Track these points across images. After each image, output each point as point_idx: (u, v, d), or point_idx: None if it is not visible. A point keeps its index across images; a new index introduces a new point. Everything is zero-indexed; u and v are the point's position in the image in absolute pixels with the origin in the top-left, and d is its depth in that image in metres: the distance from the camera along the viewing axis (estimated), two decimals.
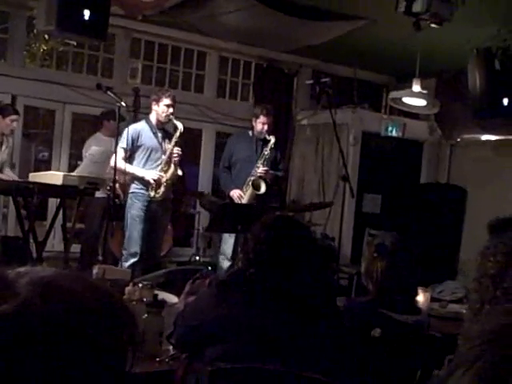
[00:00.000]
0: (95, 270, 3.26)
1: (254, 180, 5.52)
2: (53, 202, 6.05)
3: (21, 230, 5.24)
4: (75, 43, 6.53)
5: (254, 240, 2.18)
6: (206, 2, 5.41)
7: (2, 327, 0.66)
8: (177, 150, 5.17)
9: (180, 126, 5.14)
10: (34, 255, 5.18)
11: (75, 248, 6.08)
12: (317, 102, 6.46)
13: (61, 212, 5.57)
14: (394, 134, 7.05)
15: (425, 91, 5.52)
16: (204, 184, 7.28)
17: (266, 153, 5.57)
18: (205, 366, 2.01)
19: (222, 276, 3.90)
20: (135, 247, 5.10)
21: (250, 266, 2.14)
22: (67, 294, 0.72)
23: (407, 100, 5.64)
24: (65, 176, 5.27)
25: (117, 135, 4.98)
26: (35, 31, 6.40)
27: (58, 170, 6.16)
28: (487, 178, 6.83)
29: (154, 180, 5.11)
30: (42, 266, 0.77)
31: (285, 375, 1.97)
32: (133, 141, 5.11)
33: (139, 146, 5.16)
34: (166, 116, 5.14)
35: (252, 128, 5.78)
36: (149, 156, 5.19)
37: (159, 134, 5.23)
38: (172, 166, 5.17)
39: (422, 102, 5.63)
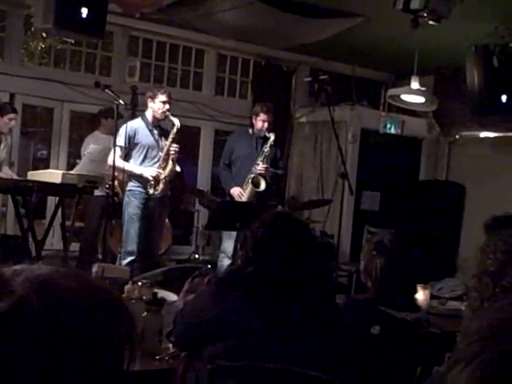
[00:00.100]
0: (94, 269, 3.26)
1: (253, 177, 5.52)
2: (52, 201, 6.05)
3: (20, 228, 5.24)
4: (73, 41, 6.52)
5: (253, 238, 2.18)
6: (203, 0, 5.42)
7: None
8: (174, 146, 5.16)
9: (177, 122, 5.12)
10: (33, 254, 5.17)
11: (74, 246, 6.08)
12: (315, 99, 6.47)
13: (60, 210, 5.57)
14: (393, 131, 7.05)
15: (423, 88, 5.53)
16: (203, 182, 7.28)
17: (265, 150, 5.56)
18: (204, 364, 2.01)
19: (221, 274, 3.90)
20: (132, 245, 5.09)
21: (249, 264, 2.14)
22: (63, 291, 0.72)
23: (406, 97, 5.64)
24: (63, 174, 5.27)
25: (115, 133, 4.97)
26: (33, 29, 6.39)
27: (57, 168, 6.16)
28: (486, 175, 6.83)
29: (153, 177, 5.10)
30: (38, 264, 0.77)
31: (284, 373, 1.97)
32: (130, 138, 5.09)
33: (136, 144, 5.14)
34: (162, 113, 5.12)
35: (252, 126, 5.78)
36: (146, 154, 5.17)
37: (155, 132, 5.21)
38: (170, 162, 5.15)
39: (420, 99, 5.63)
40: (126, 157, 5.11)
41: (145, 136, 5.16)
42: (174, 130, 5.13)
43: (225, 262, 5.60)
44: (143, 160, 5.17)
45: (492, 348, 0.67)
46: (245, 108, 7.21)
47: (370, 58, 6.94)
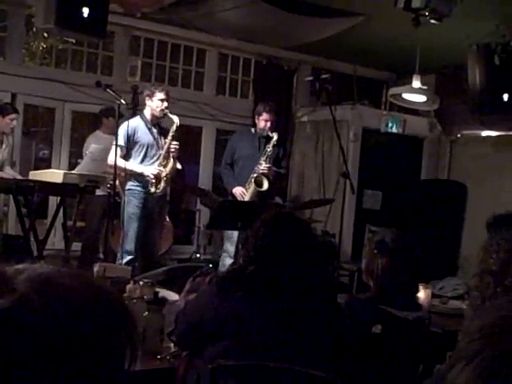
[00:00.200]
0: (96, 268, 3.25)
1: (256, 177, 5.51)
2: (53, 201, 6.05)
3: (21, 228, 5.24)
4: (74, 41, 6.53)
5: (255, 237, 2.18)
6: None
7: None
8: (174, 143, 5.14)
9: (176, 119, 5.08)
10: (35, 253, 5.18)
11: (76, 246, 6.08)
12: (317, 98, 6.46)
13: (61, 210, 5.57)
14: (394, 130, 7.05)
15: (425, 87, 5.52)
16: (204, 181, 7.28)
17: (268, 150, 5.55)
18: (206, 364, 2.01)
19: (223, 273, 3.90)
20: (130, 245, 5.07)
21: (251, 263, 2.14)
22: (65, 290, 0.72)
23: (407, 96, 5.64)
24: (65, 174, 5.27)
25: (116, 133, 4.97)
26: (34, 29, 6.40)
27: (59, 168, 6.16)
28: (488, 174, 6.82)
29: (154, 175, 5.08)
30: (40, 263, 0.77)
31: (286, 372, 1.97)
32: (129, 137, 5.06)
33: (136, 143, 5.11)
34: (160, 111, 5.07)
35: (254, 125, 5.78)
36: (146, 153, 5.14)
37: (154, 130, 5.17)
38: (171, 160, 5.14)
39: (421, 98, 5.62)
40: (126, 156, 5.08)
41: (144, 135, 5.13)
42: (174, 127, 5.09)
43: (227, 261, 5.60)
44: (143, 159, 5.14)
45: (493, 346, 0.67)
46: (246, 107, 7.22)
47: (372, 57, 6.94)
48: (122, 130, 5.02)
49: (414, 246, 2.67)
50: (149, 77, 7.19)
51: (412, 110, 6.52)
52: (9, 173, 5.52)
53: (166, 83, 6.94)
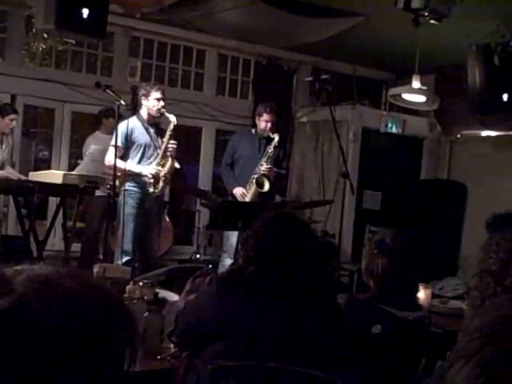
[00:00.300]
0: (96, 269, 3.25)
1: (257, 178, 5.51)
2: (53, 201, 6.05)
3: (21, 229, 5.25)
4: (74, 42, 6.53)
5: (255, 237, 2.18)
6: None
7: None
8: (172, 143, 5.11)
9: (173, 118, 5.03)
10: (35, 254, 5.18)
11: (76, 247, 6.09)
12: (316, 98, 6.46)
13: (61, 211, 5.57)
14: (394, 130, 7.05)
15: (424, 87, 5.52)
16: (204, 182, 7.29)
17: (269, 151, 5.54)
18: (206, 364, 2.01)
19: (222, 274, 3.90)
20: (128, 245, 5.05)
21: (251, 264, 2.13)
22: (63, 291, 0.72)
23: (407, 96, 5.64)
24: (65, 175, 5.27)
25: (114, 133, 4.95)
26: (34, 30, 6.40)
27: (58, 168, 6.16)
28: (487, 174, 6.82)
29: (152, 175, 5.06)
30: (40, 264, 0.77)
31: (285, 372, 1.97)
32: (126, 137, 5.03)
33: (133, 143, 5.08)
34: (157, 110, 5.02)
35: (255, 126, 5.77)
36: (143, 153, 5.11)
37: (151, 130, 5.13)
38: (169, 159, 5.12)
39: (421, 99, 5.63)
40: (124, 156, 5.04)
41: (141, 135, 5.10)
42: (171, 126, 5.04)
43: (227, 261, 5.60)
44: (140, 159, 5.11)
45: (493, 345, 0.67)
46: (246, 108, 7.22)
47: (371, 57, 6.94)
48: (120, 130, 4.99)
49: (414, 246, 2.67)
50: (148, 77, 7.19)
51: (412, 110, 6.52)
52: (10, 172, 5.51)
53: (166, 84, 6.95)
